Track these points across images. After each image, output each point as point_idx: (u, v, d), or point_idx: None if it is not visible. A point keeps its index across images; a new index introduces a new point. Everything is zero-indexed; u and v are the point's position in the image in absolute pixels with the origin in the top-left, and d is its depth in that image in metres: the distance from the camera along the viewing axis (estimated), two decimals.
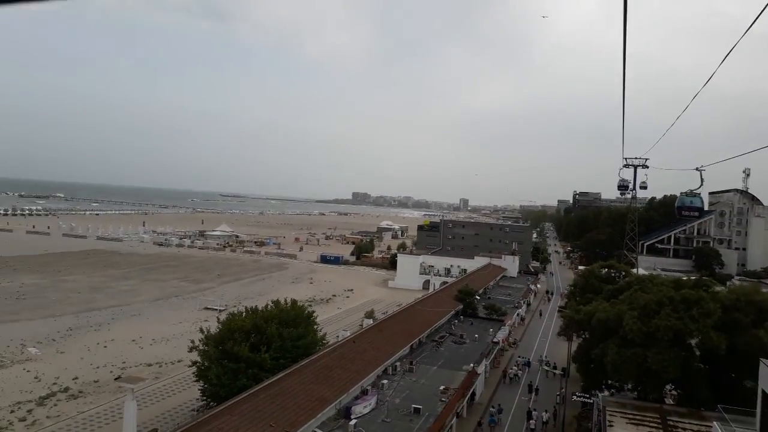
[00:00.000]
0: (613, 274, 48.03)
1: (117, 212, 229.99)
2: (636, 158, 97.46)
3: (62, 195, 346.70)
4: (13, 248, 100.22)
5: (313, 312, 38.61)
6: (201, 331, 34.95)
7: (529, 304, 78.94)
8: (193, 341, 34.99)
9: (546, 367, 44.39)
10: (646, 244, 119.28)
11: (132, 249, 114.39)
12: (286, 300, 37.77)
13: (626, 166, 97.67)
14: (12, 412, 33.42)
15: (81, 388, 38.34)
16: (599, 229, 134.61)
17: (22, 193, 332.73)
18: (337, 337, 51.15)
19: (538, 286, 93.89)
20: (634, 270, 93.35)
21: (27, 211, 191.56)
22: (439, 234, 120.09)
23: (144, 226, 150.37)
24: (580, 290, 47.34)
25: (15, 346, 46.28)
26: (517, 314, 65.85)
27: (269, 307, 36.68)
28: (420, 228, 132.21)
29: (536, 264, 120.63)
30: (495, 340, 49.52)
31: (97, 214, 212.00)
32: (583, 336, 37.47)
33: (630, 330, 30.22)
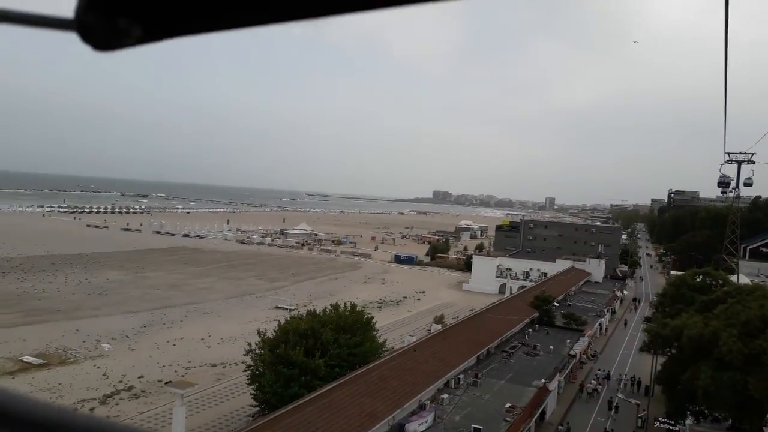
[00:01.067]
0: (708, 282, 43.07)
1: (207, 210, 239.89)
2: (740, 153, 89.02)
3: (163, 195, 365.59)
4: (106, 245, 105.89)
5: (373, 318, 36.89)
6: (258, 333, 34.18)
7: (613, 312, 73.61)
8: (249, 344, 34.36)
9: (621, 395, 39.53)
10: (749, 248, 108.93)
11: (215, 246, 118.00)
12: (345, 304, 36.36)
13: (729, 161, 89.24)
14: (75, 410, 33.99)
15: (144, 387, 38.72)
16: (696, 231, 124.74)
17: (123, 193, 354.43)
18: (404, 342, 49.48)
19: (625, 292, 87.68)
20: (734, 277, 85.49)
21: (124, 209, 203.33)
22: (518, 235, 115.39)
23: (228, 224, 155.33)
24: (669, 300, 42.83)
25: (90, 342, 47.83)
26: (599, 324, 61.21)
27: (328, 310, 35.45)
28: (498, 228, 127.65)
29: (624, 268, 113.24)
30: (572, 352, 45.82)
31: (188, 212, 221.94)
32: (669, 353, 33.41)
33: (728, 351, 26.32)
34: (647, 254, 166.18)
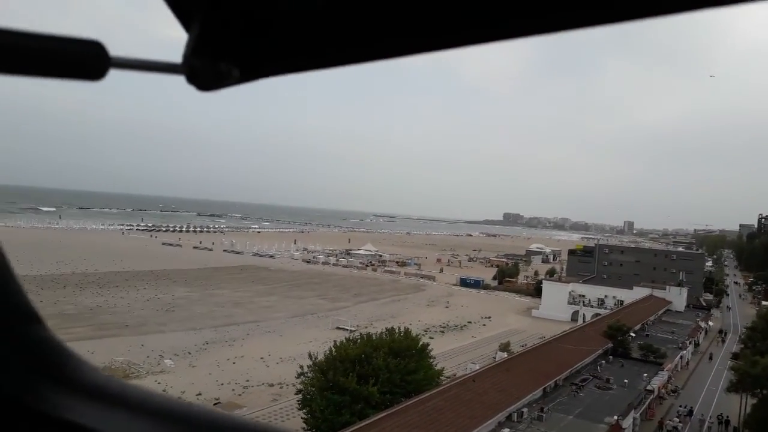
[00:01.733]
0: None
1: (277, 230, 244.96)
2: None
3: (239, 214, 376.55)
4: (178, 262, 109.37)
5: (428, 345, 35.18)
6: (309, 356, 33.27)
7: (697, 345, 68.08)
8: (301, 366, 33.53)
9: None
10: None
11: (281, 266, 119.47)
12: (400, 328, 34.95)
13: None
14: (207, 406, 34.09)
15: None
16: None
17: (200, 212, 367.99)
18: (466, 369, 47.42)
19: (710, 323, 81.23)
20: None
21: (199, 228, 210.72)
22: (593, 260, 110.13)
23: (295, 243, 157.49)
24: (760, 335, 38.56)
25: (154, 357, 48.59)
26: (681, 356, 56.54)
27: (383, 335, 34.18)
28: (571, 253, 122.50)
29: (709, 297, 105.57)
30: (649, 387, 42.14)
31: (259, 232, 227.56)
32: (760, 394, 29.68)
33: None
34: (735, 282, 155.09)
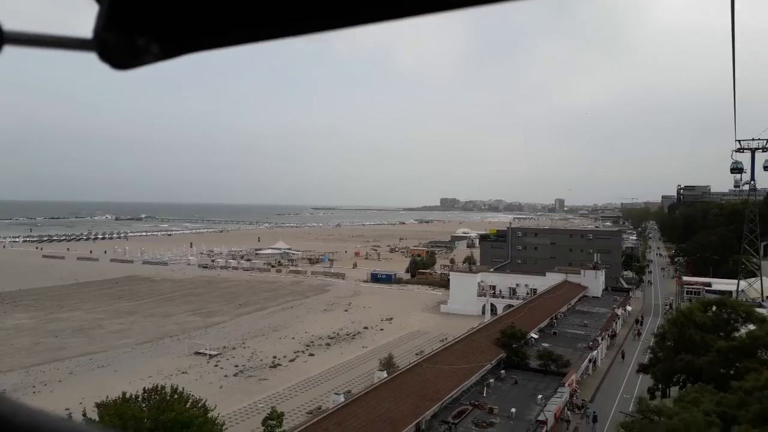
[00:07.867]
0: (726, 317, 30.18)
1: (190, 232, 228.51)
2: (753, 140, 77.56)
3: (156, 217, 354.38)
4: (45, 278, 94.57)
5: (207, 408, 24.56)
6: None
7: (613, 336, 60.61)
8: None
9: None
10: None
11: (170, 274, 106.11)
12: (163, 387, 24.26)
13: (740, 150, 78.46)
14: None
15: None
16: (709, 229, 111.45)
17: (118, 217, 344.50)
18: (331, 402, 37.46)
19: (629, 308, 74.43)
20: (756, 281, 72.21)
21: (101, 236, 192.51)
22: (506, 245, 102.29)
23: (192, 247, 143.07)
24: (671, 344, 30.07)
25: None
26: (590, 359, 48.36)
27: (140, 398, 23.45)
28: (484, 238, 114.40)
29: (630, 275, 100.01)
30: (542, 416, 33.09)
31: (169, 235, 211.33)
32: None
33: None
34: (659, 254, 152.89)
